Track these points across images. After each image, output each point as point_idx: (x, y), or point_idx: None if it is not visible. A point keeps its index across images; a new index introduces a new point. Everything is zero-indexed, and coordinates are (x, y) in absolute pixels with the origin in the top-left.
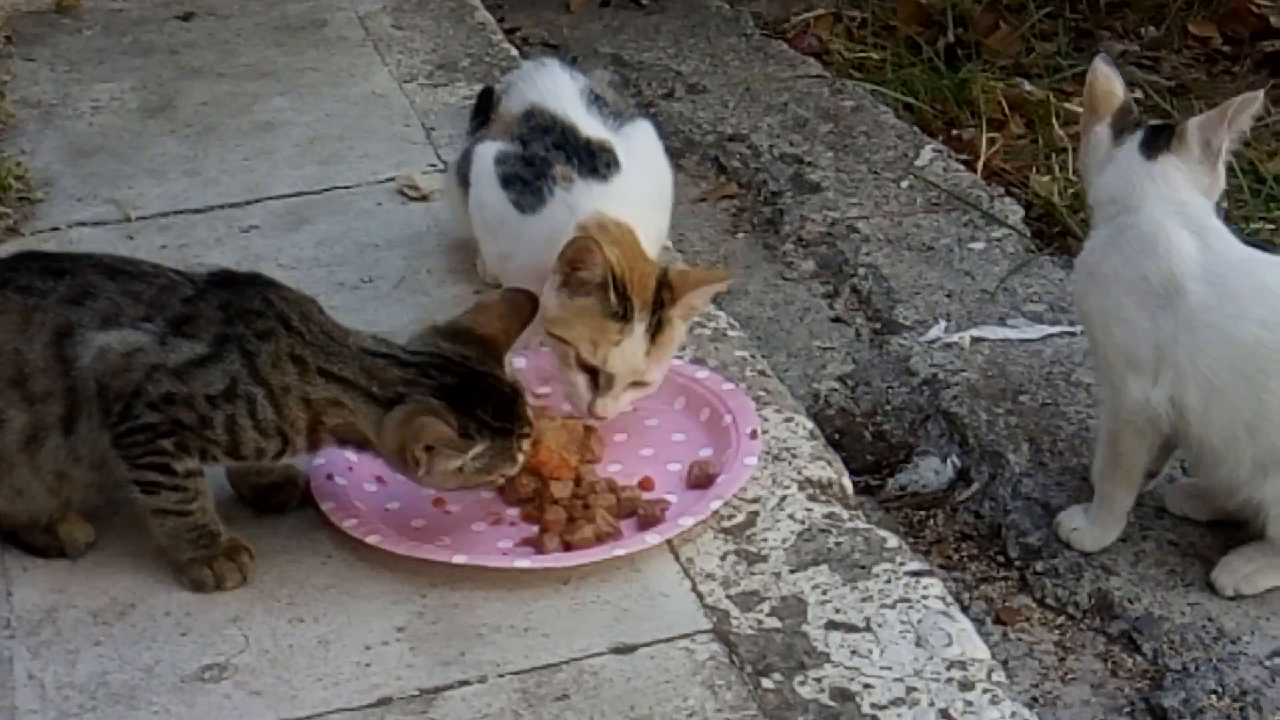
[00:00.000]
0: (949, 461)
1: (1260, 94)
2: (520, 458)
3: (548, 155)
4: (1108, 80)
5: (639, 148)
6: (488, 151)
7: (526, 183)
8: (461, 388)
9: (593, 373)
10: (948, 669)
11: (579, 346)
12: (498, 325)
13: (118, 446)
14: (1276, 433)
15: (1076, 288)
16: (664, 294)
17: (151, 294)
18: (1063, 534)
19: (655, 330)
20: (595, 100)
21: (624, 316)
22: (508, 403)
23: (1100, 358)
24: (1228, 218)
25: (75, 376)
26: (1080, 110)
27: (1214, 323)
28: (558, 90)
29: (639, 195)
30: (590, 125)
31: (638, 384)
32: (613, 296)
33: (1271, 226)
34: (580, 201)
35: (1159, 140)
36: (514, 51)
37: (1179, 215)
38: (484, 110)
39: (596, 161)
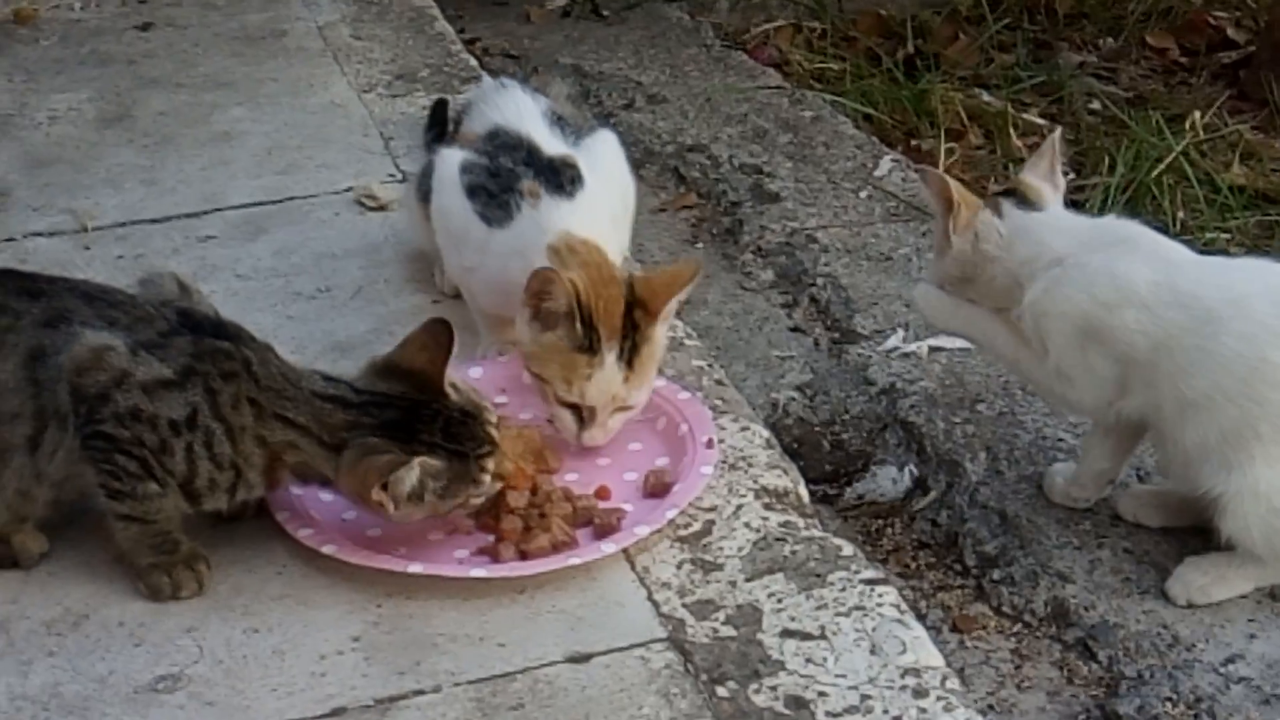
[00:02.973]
0: (906, 470)
1: (1059, 130)
2: (486, 478)
3: (515, 169)
4: (955, 184)
5: (602, 159)
6: (452, 158)
7: (493, 195)
8: (403, 420)
9: (575, 407)
10: (902, 676)
11: (555, 385)
12: (423, 357)
13: (85, 449)
14: (1253, 436)
15: (1031, 322)
16: (636, 314)
17: (127, 321)
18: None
19: (631, 354)
20: (557, 120)
21: (591, 349)
22: (457, 425)
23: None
24: (1184, 228)
25: (44, 398)
26: (1040, 121)
27: (1194, 345)
28: (520, 111)
29: (604, 209)
30: (553, 145)
31: (622, 408)
32: (578, 327)
33: (1227, 235)
34: (548, 219)
35: (1023, 197)
36: (473, 62)
37: (1116, 247)
38: (439, 122)
39: (561, 178)
